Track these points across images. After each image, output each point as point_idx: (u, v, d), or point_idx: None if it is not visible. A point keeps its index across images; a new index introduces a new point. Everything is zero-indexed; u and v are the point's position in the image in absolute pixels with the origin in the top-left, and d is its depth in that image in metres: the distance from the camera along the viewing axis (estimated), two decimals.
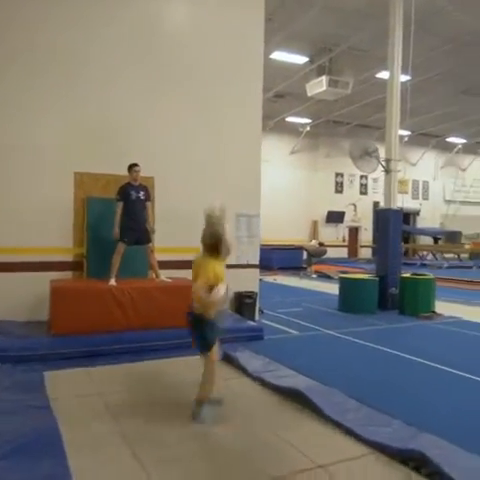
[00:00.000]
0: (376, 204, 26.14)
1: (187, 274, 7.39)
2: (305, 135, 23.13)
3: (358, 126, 23.14)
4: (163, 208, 7.14)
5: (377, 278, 9.03)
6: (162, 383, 4.57)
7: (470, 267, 19.53)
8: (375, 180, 26.24)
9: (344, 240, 24.99)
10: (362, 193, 25.92)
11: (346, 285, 9.17)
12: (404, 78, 15.77)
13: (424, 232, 26.06)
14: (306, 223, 24.07)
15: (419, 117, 19.87)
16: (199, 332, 3.65)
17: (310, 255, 17.84)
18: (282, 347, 6.23)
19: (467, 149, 26.85)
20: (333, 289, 12.43)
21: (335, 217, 24.42)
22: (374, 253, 25.81)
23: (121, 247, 6.31)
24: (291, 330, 7.28)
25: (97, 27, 6.90)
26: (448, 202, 27.02)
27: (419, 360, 5.55)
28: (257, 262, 8.14)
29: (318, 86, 15.24)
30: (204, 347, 3.68)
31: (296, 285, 13.73)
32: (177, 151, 7.39)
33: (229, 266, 8.04)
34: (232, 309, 7.72)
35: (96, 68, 6.91)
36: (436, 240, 26.46)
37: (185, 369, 4.83)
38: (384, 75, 16.58)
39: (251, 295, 7.70)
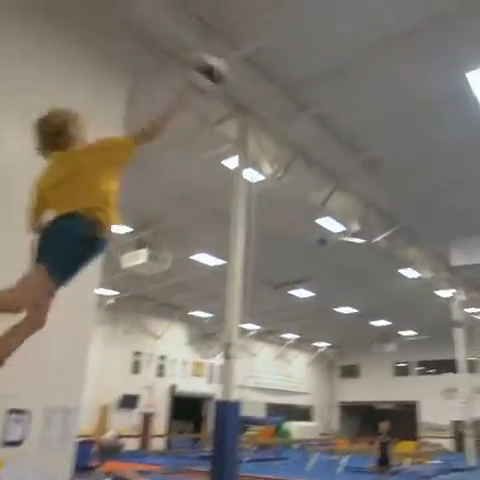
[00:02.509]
0: (172, 388, 24.70)
1: None
2: (106, 308, 21.46)
3: (162, 304, 22.64)
4: None
5: None
6: None
7: (271, 459, 18.75)
8: (173, 361, 25.17)
9: (139, 429, 22.27)
10: (159, 375, 24.29)
11: None
12: (217, 262, 16.40)
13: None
14: (93, 408, 20.83)
15: (220, 302, 20.46)
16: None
17: (104, 451, 14.89)
18: None
19: (258, 336, 28.32)
20: None
21: (129, 401, 21.90)
22: (169, 445, 23.54)
23: None
24: None
25: None
26: (241, 387, 27.05)
27: None
28: (68, 476, 5.77)
29: (136, 259, 14.49)
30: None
31: None
32: None
33: None
34: None
35: None
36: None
37: None
38: (198, 257, 17.01)
39: None
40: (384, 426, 13.53)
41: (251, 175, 10.21)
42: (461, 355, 20.42)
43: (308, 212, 12.48)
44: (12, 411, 5.32)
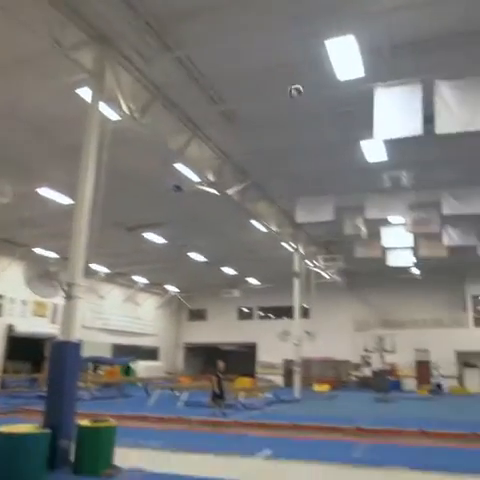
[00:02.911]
0: (10, 328, 23.41)
1: None
2: None
3: (1, 240, 20.95)
4: None
5: (49, 430, 7.27)
6: None
7: (114, 397, 19.04)
8: (12, 301, 23.69)
9: None
10: None
11: (2, 444, 6.90)
12: (66, 200, 15.49)
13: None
14: None
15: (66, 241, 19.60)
16: None
17: None
18: None
19: (108, 278, 27.87)
20: None
21: None
22: (3, 385, 22.43)
23: None
24: None
25: None
26: (86, 329, 26.58)
27: None
28: None
29: None
30: None
31: None
32: None
33: None
34: None
35: None
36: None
37: None
38: (43, 193, 15.76)
39: None
40: (221, 364, 14.73)
41: (107, 111, 9.68)
42: (297, 302, 22.51)
43: (165, 157, 12.32)
44: None
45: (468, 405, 19.82)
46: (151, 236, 20.85)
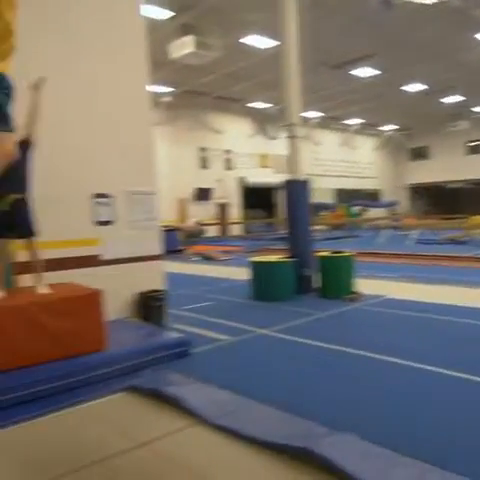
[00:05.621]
0: (242, 179, 25.59)
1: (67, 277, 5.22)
2: (164, 106, 21.21)
3: (220, 98, 22.03)
4: None
5: (293, 260, 7.92)
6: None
7: (345, 237, 19.85)
8: (239, 155, 25.57)
9: (218, 218, 24.19)
10: (227, 169, 25.05)
11: (260, 270, 7.88)
12: (272, 43, 14.90)
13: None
14: (173, 202, 22.32)
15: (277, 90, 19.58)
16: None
17: (188, 236, 16.46)
18: (223, 364, 4.69)
19: (321, 124, 27.47)
20: (225, 273, 11.23)
21: (203, 194, 23.27)
22: (247, 230, 25.33)
23: None
24: (218, 335, 5.74)
25: None
26: (308, 175, 27.22)
27: (391, 360, 4.51)
28: (159, 251, 6.38)
29: (184, 47, 13.48)
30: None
31: (183, 271, 12.10)
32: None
33: (121, 261, 6.26)
34: (135, 314, 5.92)
35: None
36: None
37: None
38: (249, 40, 15.44)
39: (159, 295, 5.95)
40: None
41: None
42: None
43: None
44: (98, 195, 5.73)
45: None
46: (360, 72, 19.09)
